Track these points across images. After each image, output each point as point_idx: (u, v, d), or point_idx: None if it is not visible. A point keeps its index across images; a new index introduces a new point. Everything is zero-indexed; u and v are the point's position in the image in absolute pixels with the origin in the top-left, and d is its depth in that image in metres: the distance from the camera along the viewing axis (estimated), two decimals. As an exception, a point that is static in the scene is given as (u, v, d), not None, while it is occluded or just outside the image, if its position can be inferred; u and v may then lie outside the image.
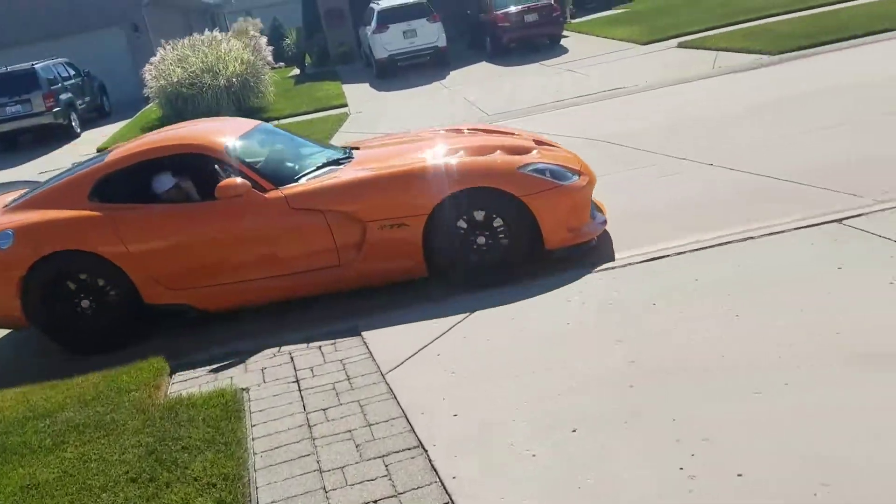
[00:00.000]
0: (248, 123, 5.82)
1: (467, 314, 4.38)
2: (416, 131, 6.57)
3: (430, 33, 17.97)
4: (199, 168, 5.16)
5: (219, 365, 4.40)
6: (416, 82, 17.03)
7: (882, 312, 3.50)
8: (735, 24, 15.96)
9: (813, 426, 2.81)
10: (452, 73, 17.75)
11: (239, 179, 4.82)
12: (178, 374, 4.41)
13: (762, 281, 4.11)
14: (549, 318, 4.16)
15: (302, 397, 3.79)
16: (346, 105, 15.62)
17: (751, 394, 3.08)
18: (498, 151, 5.19)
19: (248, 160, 5.11)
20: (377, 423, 3.39)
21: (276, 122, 11.24)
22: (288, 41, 28.06)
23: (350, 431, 3.37)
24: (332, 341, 4.39)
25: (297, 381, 3.98)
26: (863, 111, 7.37)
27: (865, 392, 2.95)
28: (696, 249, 4.69)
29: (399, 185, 4.82)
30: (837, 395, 2.97)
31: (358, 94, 16.95)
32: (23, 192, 5.82)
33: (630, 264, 4.68)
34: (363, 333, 4.40)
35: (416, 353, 4.03)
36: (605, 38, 18.44)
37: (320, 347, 4.34)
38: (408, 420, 3.36)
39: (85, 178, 5.16)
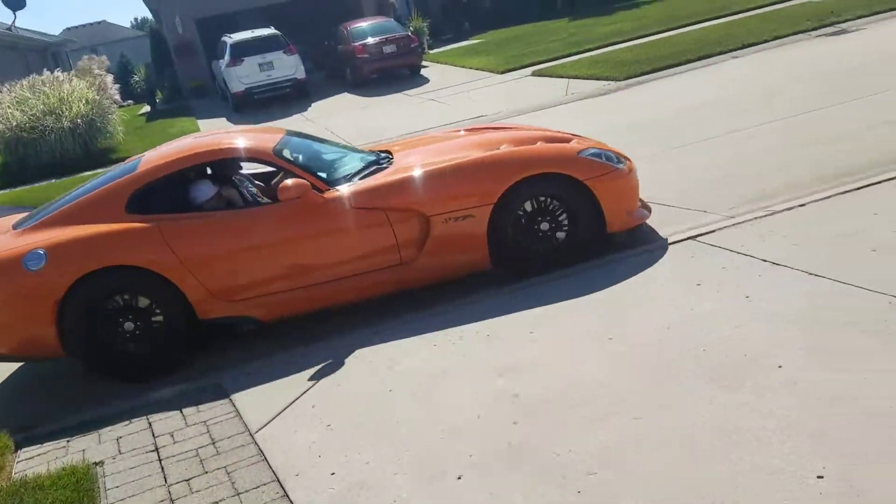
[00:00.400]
0: (276, 130, 5.66)
1: (343, 357, 4.20)
2: (442, 132, 6.40)
3: (287, 65, 17.70)
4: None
5: (69, 437, 3.98)
6: (276, 115, 16.66)
7: (742, 328, 3.63)
8: (582, 52, 16.72)
9: (692, 449, 2.83)
10: (314, 104, 17.55)
11: (297, 180, 4.62)
12: (23, 449, 3.96)
13: (629, 301, 4.19)
14: (427, 356, 4.05)
15: (162, 468, 3.47)
16: (203, 142, 15.00)
17: (630, 420, 3.09)
18: (539, 143, 5.23)
19: (296, 162, 4.95)
20: (247, 491, 3.13)
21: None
22: (137, 78, 26.86)
23: (217, 503, 3.10)
24: (195, 401, 4.07)
25: (157, 450, 3.64)
26: (705, 130, 7.82)
27: (732, 410, 3.02)
28: (563, 277, 4.74)
29: (466, 175, 4.77)
30: (709, 414, 3.02)
31: (215, 130, 16.35)
32: (24, 214, 5.23)
33: (499, 295, 4.67)
34: (228, 389, 4.12)
35: (288, 406, 3.79)
36: (464, 67, 18.84)
37: (181, 409, 4.01)
38: (281, 484, 3.12)
39: (119, 189, 4.71)
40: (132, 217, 4.57)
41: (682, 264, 4.54)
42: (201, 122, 17.68)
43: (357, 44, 18.07)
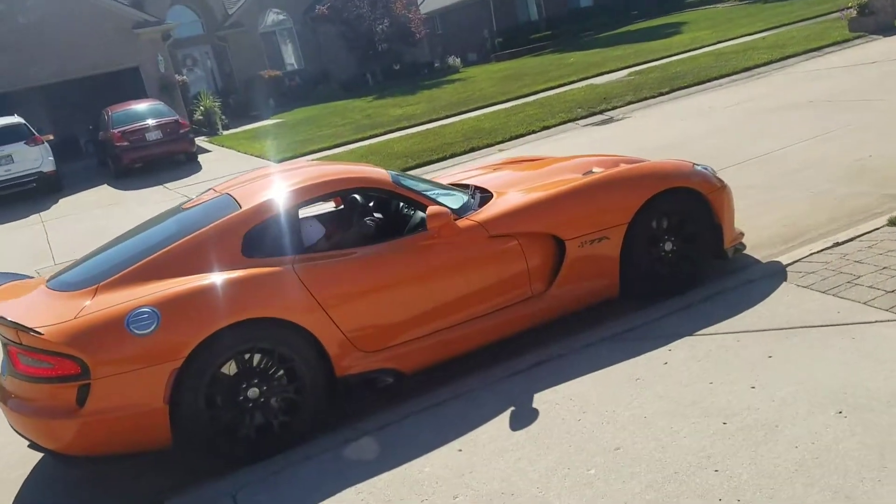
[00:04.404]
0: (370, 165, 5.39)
1: None
2: (498, 164, 6.17)
3: (30, 158, 15.47)
4: (363, 205, 4.69)
5: None
6: (12, 216, 14.43)
7: None
8: (367, 138, 15.82)
9: None
10: (63, 200, 15.44)
11: (440, 207, 4.13)
12: None
13: None
14: None
15: None
16: None
17: None
18: (622, 164, 4.94)
19: (418, 191, 4.41)
20: None
21: None
22: None
23: None
24: None
25: None
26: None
27: None
28: None
29: (601, 193, 4.41)
30: None
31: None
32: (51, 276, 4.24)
33: None
34: None
35: None
36: (245, 153, 17.41)
37: None
38: None
39: (227, 230, 3.87)
40: (254, 261, 3.75)
41: None
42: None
43: (116, 131, 16.19)
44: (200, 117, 21.27)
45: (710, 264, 4.69)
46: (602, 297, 4.47)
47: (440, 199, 4.43)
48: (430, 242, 4.10)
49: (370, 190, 4.47)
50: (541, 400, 3.57)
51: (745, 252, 4.95)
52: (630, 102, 13.61)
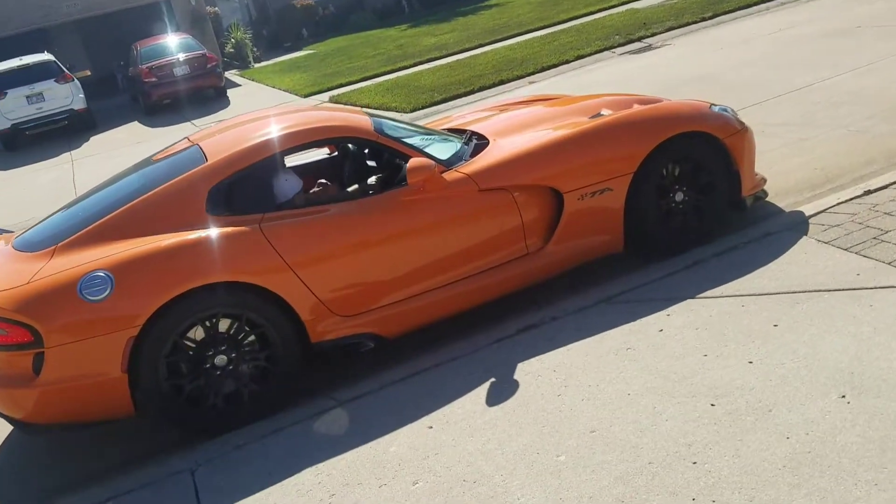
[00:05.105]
0: (353, 109, 5.10)
1: None
2: (504, 103, 5.72)
3: (60, 95, 15.47)
4: (355, 154, 4.49)
5: None
6: (44, 154, 14.54)
7: None
8: (396, 70, 15.34)
9: None
10: (96, 138, 15.46)
11: (423, 159, 3.81)
12: None
13: None
14: None
15: None
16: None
17: None
18: (635, 105, 4.59)
19: (403, 141, 4.08)
20: None
21: None
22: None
23: None
24: None
25: None
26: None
27: None
28: None
29: (603, 140, 4.04)
30: None
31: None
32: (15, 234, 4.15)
33: None
34: None
35: None
36: (274, 87, 17.13)
37: None
38: None
39: (191, 186, 3.64)
40: (219, 219, 3.53)
41: None
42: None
43: (144, 66, 16.01)
44: (232, 50, 20.96)
45: (726, 215, 4.32)
46: (604, 253, 4.14)
47: (428, 149, 4.12)
48: (413, 198, 3.79)
49: (349, 140, 4.17)
50: (523, 371, 3.33)
51: (767, 200, 4.55)
52: (671, 28, 12.81)
